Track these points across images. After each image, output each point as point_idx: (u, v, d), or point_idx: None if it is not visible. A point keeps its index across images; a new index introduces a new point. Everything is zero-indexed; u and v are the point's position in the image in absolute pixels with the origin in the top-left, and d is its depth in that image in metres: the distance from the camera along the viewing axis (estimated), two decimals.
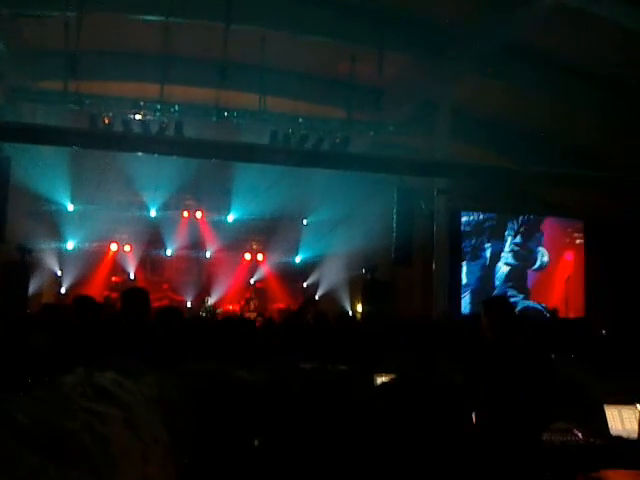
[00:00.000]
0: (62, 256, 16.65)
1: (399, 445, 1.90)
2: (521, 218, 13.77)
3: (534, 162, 13.18)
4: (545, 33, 10.87)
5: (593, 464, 3.46)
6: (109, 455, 0.65)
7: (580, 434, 3.80)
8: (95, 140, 12.31)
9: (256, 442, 1.71)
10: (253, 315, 16.12)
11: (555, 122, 13.06)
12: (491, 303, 4.95)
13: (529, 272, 13.91)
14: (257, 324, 10.18)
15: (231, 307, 17.19)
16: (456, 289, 13.69)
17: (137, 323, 4.64)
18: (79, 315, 4.72)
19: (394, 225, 13.04)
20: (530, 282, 13.93)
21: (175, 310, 5.54)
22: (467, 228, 13.49)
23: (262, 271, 18.39)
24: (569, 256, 14.05)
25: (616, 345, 5.54)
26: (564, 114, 12.95)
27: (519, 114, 13.22)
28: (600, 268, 13.84)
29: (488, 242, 13.60)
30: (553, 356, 4.67)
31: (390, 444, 1.87)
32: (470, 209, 14.25)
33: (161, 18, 11.57)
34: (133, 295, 5.04)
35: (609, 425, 3.93)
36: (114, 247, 17.38)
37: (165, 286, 17.26)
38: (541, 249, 13.79)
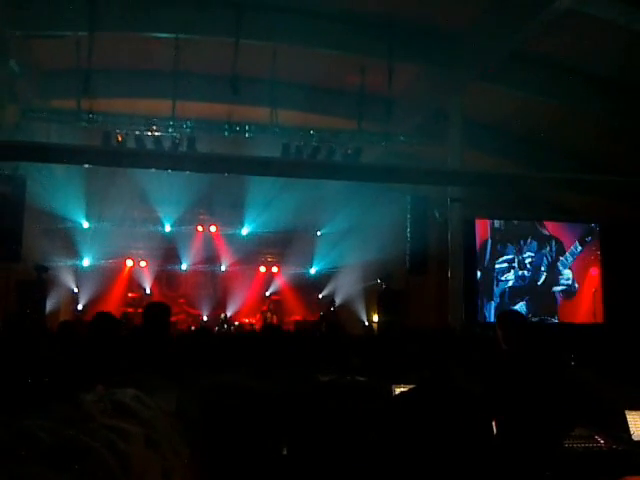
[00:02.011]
0: (78, 273, 16.77)
1: (418, 453, 1.89)
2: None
3: (546, 168, 13.14)
4: (554, 39, 10.85)
5: (615, 470, 3.43)
6: (130, 472, 0.65)
7: (602, 440, 3.77)
8: (109, 157, 12.39)
9: (284, 451, 1.71)
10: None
11: (566, 127, 13.01)
12: (504, 316, 4.98)
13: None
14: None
15: (247, 320, 17.21)
16: (472, 298, 13.61)
17: (158, 338, 4.66)
18: (99, 331, 4.75)
19: (408, 234, 13.01)
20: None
21: (207, 331, 5.61)
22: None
23: (277, 283, 18.42)
24: (594, 271, 14.11)
25: (637, 351, 5.49)
26: (575, 119, 12.90)
27: (530, 120, 13.17)
28: (616, 272, 13.75)
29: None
30: (573, 363, 4.65)
31: (409, 453, 1.86)
32: (484, 217, 14.18)
33: (172, 35, 11.67)
34: (155, 310, 5.06)
35: (631, 431, 3.89)
36: (130, 263, 17.48)
37: (181, 301, 17.32)
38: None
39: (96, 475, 0.62)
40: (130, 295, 17.51)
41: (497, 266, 13.49)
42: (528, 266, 13.50)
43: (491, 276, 13.37)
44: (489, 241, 13.34)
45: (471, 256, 13.67)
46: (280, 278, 18.42)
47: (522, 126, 13.83)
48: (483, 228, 13.58)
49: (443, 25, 11.88)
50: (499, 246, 13.49)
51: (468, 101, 12.95)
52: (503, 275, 13.39)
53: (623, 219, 13.45)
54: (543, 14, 10.12)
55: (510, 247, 13.45)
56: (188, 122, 13.34)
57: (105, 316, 5.13)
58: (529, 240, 13.51)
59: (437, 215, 13.73)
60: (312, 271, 18.38)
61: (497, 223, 13.55)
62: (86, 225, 16.82)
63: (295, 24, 11.49)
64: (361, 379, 3.67)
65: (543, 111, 12.75)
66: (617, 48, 10.26)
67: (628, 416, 3.93)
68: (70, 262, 16.49)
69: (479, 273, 13.24)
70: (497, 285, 13.53)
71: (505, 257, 13.38)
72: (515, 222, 13.65)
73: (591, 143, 13.24)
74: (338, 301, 17.41)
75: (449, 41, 12.19)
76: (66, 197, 15.37)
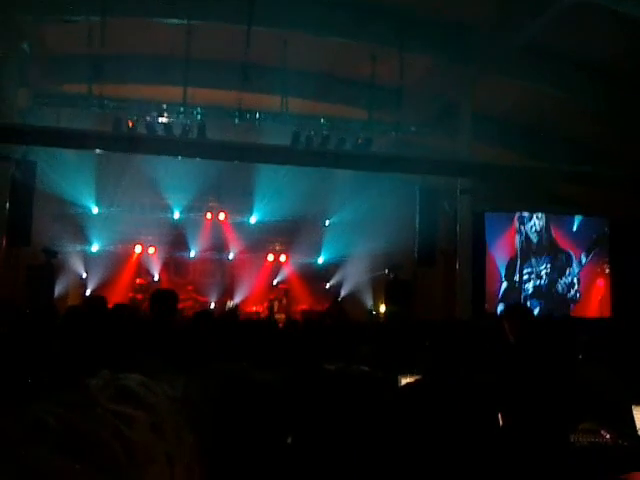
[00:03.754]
0: (87, 258, 16.81)
1: (423, 445, 1.89)
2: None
3: (556, 161, 13.07)
4: (565, 32, 10.77)
5: (621, 466, 3.42)
6: (135, 458, 0.65)
7: (608, 435, 3.76)
8: (119, 143, 12.40)
9: (289, 439, 1.71)
10: (277, 316, 16.18)
11: (577, 121, 12.94)
12: (511, 309, 4.99)
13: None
14: (281, 325, 10.21)
15: (254, 308, 17.24)
16: (480, 290, 13.60)
17: (165, 324, 4.69)
18: (118, 321, 4.80)
19: (417, 225, 12.98)
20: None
21: (207, 313, 5.65)
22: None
23: (285, 272, 18.42)
24: (600, 283, 15.17)
25: None
26: (585, 113, 12.82)
27: (541, 114, 13.10)
28: (625, 266, 13.76)
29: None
30: (580, 357, 4.63)
31: (415, 444, 1.86)
32: (493, 209, 14.20)
33: (183, 21, 11.64)
34: (162, 296, 5.09)
35: (637, 426, 3.88)
36: (138, 249, 17.51)
37: (189, 288, 17.35)
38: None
39: (101, 461, 0.62)
40: (138, 281, 17.55)
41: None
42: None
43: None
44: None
45: (480, 248, 13.67)
46: (288, 267, 18.42)
47: (533, 119, 13.76)
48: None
49: (455, 17, 11.81)
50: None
51: (479, 93, 12.89)
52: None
53: (633, 213, 13.41)
54: (553, 7, 10.05)
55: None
56: (199, 109, 13.33)
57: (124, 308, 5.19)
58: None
59: (446, 207, 13.69)
60: (320, 260, 18.37)
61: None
62: (96, 211, 16.85)
63: (307, 12, 11.45)
64: (366, 369, 3.67)
65: (554, 104, 12.68)
66: (630, 43, 10.18)
67: (635, 412, 3.92)
68: (79, 247, 16.54)
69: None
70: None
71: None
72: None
73: (602, 137, 13.17)
74: (345, 291, 17.42)
75: (461, 33, 12.12)
76: (76, 182, 15.38)
